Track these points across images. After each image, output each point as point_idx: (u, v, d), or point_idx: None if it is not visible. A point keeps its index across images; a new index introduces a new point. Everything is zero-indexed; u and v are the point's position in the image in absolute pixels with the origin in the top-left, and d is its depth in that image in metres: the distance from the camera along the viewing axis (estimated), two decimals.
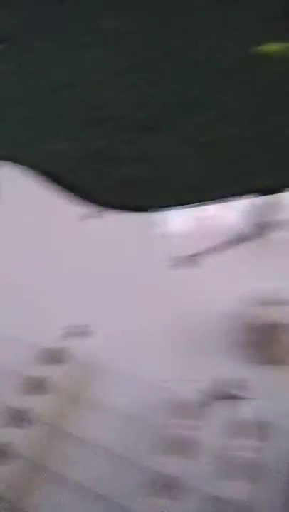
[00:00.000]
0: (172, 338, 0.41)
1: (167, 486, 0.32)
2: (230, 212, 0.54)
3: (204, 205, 0.55)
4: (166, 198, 0.92)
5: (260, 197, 0.52)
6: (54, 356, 0.40)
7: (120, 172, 0.98)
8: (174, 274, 0.47)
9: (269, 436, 0.32)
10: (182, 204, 0.56)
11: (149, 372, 0.39)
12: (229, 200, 0.54)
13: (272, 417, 0.33)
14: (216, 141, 1.03)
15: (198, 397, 0.36)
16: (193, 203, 0.55)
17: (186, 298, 0.44)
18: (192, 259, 0.47)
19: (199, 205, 0.55)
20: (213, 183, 0.92)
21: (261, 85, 1.20)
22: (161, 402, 0.36)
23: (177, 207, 0.56)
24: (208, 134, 1.05)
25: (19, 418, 0.36)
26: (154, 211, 0.56)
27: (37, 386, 0.37)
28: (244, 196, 0.54)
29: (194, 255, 0.47)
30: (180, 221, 0.55)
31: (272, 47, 1.34)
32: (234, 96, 1.17)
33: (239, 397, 0.35)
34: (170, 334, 0.41)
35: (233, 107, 1.13)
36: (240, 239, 0.48)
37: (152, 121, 1.13)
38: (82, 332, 0.42)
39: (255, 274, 0.44)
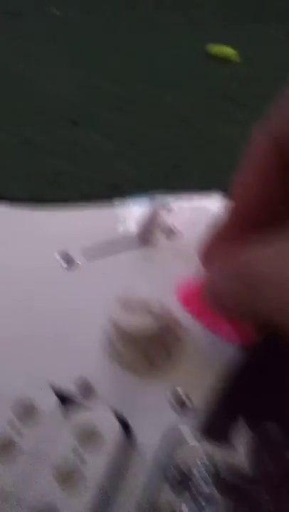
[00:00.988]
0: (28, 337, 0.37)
1: None
2: (133, 214, 0.49)
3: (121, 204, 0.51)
4: (80, 194, 0.87)
5: (161, 199, 0.48)
6: None
7: (41, 165, 0.91)
8: (51, 275, 0.42)
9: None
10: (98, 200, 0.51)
11: None
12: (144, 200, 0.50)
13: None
14: (146, 140, 0.97)
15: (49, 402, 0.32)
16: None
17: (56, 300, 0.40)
18: (75, 261, 0.43)
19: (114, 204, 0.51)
20: (139, 183, 0.88)
21: (203, 87, 1.15)
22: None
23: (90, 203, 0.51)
24: (140, 133, 1.00)
25: None
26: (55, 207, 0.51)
27: None
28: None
29: (82, 257, 0.44)
30: (78, 220, 0.50)
31: (222, 49, 1.31)
32: (173, 96, 1.12)
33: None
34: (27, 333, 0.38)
35: (170, 107, 1.08)
36: (131, 243, 0.44)
37: (83, 116, 1.06)
38: None
39: (132, 281, 0.40)
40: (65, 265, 0.42)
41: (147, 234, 0.43)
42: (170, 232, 0.44)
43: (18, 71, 1.25)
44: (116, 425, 0.30)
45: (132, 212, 0.47)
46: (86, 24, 1.51)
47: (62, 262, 0.42)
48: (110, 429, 0.30)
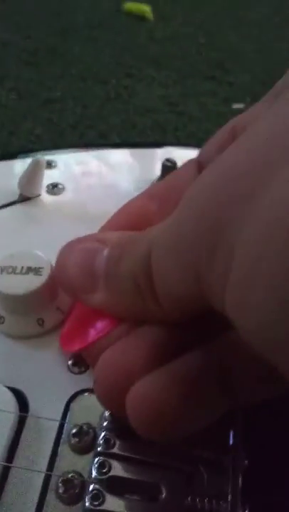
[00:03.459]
0: None
1: None
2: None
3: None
4: None
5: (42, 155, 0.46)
6: None
7: None
8: None
9: None
10: None
11: None
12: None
13: None
14: (57, 98, 0.94)
15: None
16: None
17: None
18: None
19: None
20: (53, 145, 0.85)
21: (119, 44, 1.12)
22: None
23: None
24: (54, 90, 0.96)
25: None
26: None
27: None
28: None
29: None
30: None
31: (137, 6, 1.28)
32: (89, 53, 1.08)
33: None
34: None
35: (85, 64, 1.03)
36: (15, 201, 0.43)
37: None
38: None
39: (12, 239, 0.37)
40: None
41: (29, 189, 0.42)
42: (54, 187, 0.43)
43: None
44: (10, 399, 0.27)
45: (15, 168, 0.45)
46: None
47: None
48: (4, 405, 0.28)
